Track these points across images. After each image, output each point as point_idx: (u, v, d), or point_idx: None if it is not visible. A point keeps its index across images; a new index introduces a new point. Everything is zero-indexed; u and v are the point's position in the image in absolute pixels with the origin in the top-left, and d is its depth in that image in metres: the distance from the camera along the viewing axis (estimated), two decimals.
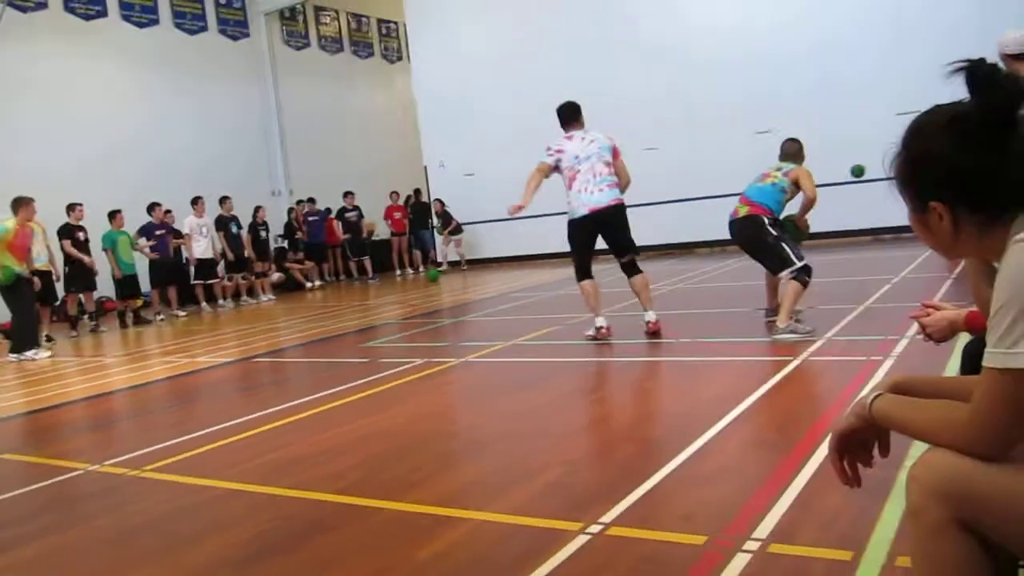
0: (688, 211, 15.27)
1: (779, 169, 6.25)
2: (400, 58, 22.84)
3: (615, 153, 6.70)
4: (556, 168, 6.62)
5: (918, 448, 3.03)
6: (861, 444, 1.64)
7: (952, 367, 4.36)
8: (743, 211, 6.12)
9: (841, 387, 4.29)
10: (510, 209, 6.50)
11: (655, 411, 4.19)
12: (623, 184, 6.68)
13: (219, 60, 18.23)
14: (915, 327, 5.62)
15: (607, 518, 2.76)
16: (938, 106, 1.45)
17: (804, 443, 3.38)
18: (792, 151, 6.40)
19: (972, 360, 2.17)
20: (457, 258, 17.99)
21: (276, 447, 4.26)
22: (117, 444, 4.89)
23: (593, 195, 6.44)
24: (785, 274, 5.90)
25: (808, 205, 6.24)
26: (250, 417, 5.02)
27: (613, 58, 15.72)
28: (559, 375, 5.42)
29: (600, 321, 6.46)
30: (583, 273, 6.57)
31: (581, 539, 2.61)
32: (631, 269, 6.55)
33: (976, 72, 1.35)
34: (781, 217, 6.19)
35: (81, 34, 15.82)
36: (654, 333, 6.33)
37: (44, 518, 3.51)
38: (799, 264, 5.86)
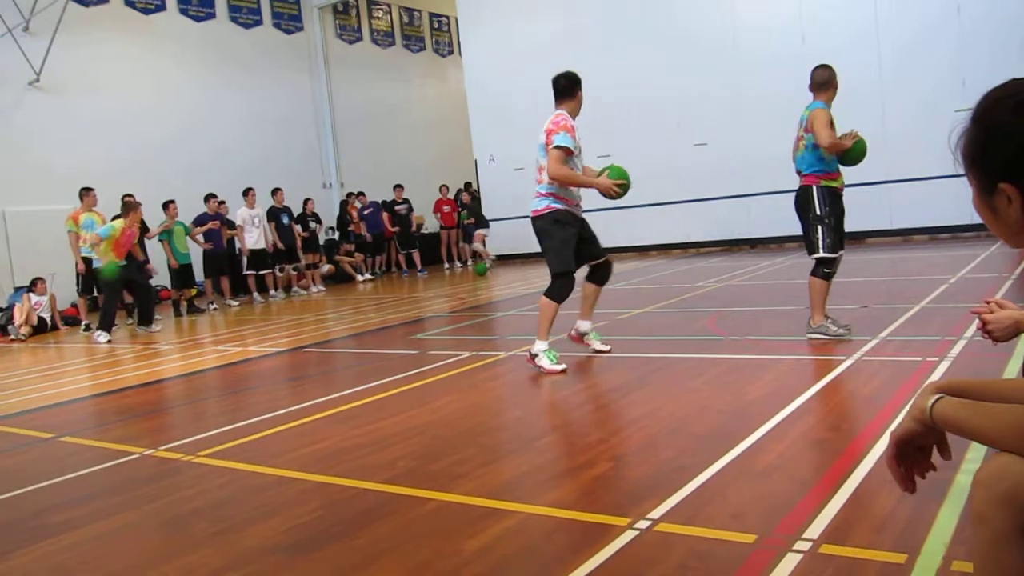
0: (737, 207, 15.12)
1: (801, 124, 5.74)
2: (452, 52, 22.93)
3: (546, 144, 5.75)
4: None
5: (976, 450, 2.99)
6: (919, 448, 1.60)
7: (1012, 369, 4.26)
8: (799, 184, 5.79)
9: (895, 388, 4.20)
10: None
11: (704, 408, 4.14)
12: (551, 180, 5.66)
13: (273, 53, 18.50)
14: (974, 327, 5.50)
15: (655, 514, 2.75)
16: (1016, 80, 1.38)
17: (857, 443, 3.32)
18: (819, 80, 5.69)
19: None
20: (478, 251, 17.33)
21: (326, 436, 4.32)
22: (172, 430, 5.01)
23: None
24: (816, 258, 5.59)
25: (829, 150, 5.56)
26: (301, 406, 5.10)
27: (664, 53, 15.60)
28: (605, 370, 5.40)
29: (581, 326, 6.02)
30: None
31: (629, 534, 2.60)
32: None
33: None
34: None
35: (140, 27, 16.19)
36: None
37: (101, 500, 3.60)
38: (822, 254, 5.57)
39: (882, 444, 3.23)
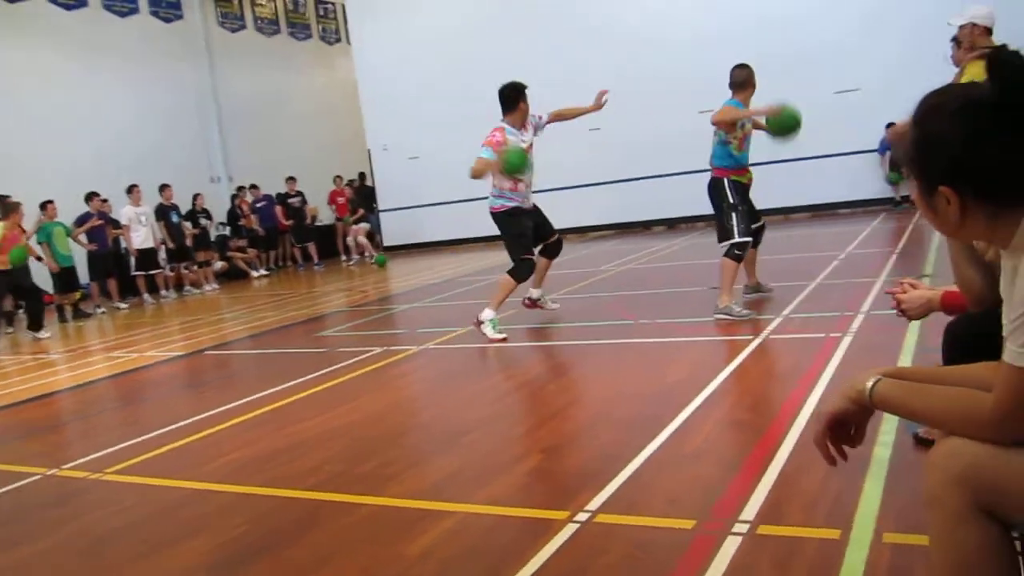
0: (631, 190, 15.40)
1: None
2: (339, 40, 22.46)
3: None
4: None
5: (889, 422, 3.12)
6: (843, 425, 1.66)
7: (909, 343, 4.49)
8: (711, 175, 6.10)
9: (805, 365, 4.36)
10: None
11: (625, 394, 4.20)
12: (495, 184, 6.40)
13: (152, 43, 17.67)
14: (870, 301, 5.73)
15: (593, 505, 2.77)
16: (951, 87, 1.44)
17: (777, 423, 3.43)
18: (737, 79, 5.98)
19: (955, 340, 2.21)
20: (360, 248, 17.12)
21: (241, 444, 4.17)
22: (73, 446, 4.74)
23: None
24: (724, 246, 5.92)
25: (714, 122, 5.90)
26: (209, 414, 4.91)
27: (560, 39, 15.70)
28: (522, 360, 5.42)
29: (533, 293, 6.83)
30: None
31: (571, 527, 2.61)
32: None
33: (997, 59, 1.34)
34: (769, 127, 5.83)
35: (5, 16, 15.18)
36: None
37: (6, 529, 3.38)
38: (737, 239, 5.84)
39: (801, 423, 3.35)
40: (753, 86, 6.02)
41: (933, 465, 1.45)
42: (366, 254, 16.81)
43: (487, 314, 6.13)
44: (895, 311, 2.68)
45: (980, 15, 5.21)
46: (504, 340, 5.96)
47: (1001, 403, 1.37)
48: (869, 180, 13.54)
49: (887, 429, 3.12)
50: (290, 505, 3.19)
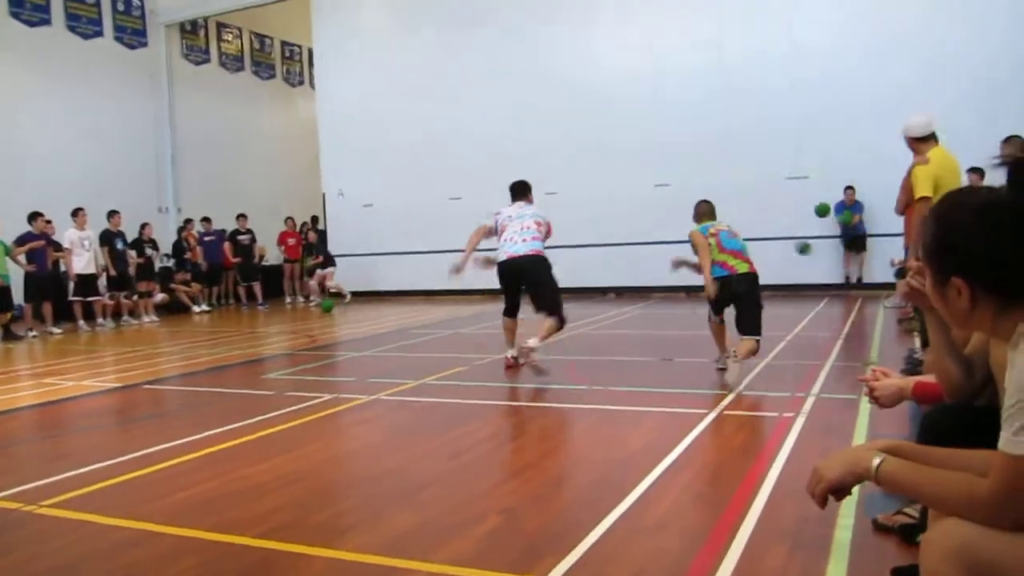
0: (584, 256, 15.55)
1: (728, 227, 6.48)
2: (302, 82, 22.49)
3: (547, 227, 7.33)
4: (494, 231, 7.32)
5: (847, 508, 3.16)
6: (839, 489, 1.76)
7: (861, 426, 4.58)
8: (743, 267, 6.20)
9: (760, 443, 4.42)
10: (452, 269, 7.32)
11: (583, 458, 4.19)
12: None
13: (113, 68, 17.44)
14: (819, 384, 5.85)
15: (557, 572, 2.72)
16: (972, 188, 1.53)
17: (738, 498, 3.44)
18: (701, 211, 6.75)
19: (931, 429, 2.26)
20: (334, 290, 16.76)
21: (187, 484, 4.02)
22: (4, 476, 4.49)
23: (516, 244, 7.07)
24: (748, 338, 6.11)
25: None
26: (150, 451, 4.73)
27: (523, 95, 15.97)
28: (476, 417, 5.36)
29: (509, 352, 7.20)
30: (506, 311, 7.38)
31: None
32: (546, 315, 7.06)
33: (1018, 167, 1.42)
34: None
35: None
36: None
37: None
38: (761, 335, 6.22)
39: (761, 500, 3.37)
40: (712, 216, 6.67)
41: (929, 542, 1.53)
42: (344, 298, 16.48)
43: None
44: (867, 397, 2.73)
45: (912, 127, 6.00)
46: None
47: (996, 490, 1.45)
48: (813, 263, 13.91)
49: (846, 512, 3.16)
50: (240, 553, 3.07)
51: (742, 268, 6.20)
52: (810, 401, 5.33)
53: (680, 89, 14.70)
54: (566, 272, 15.64)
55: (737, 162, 13.98)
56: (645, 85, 15.03)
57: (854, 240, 13.86)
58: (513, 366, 7.08)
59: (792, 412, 5.00)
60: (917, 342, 6.83)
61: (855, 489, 1.96)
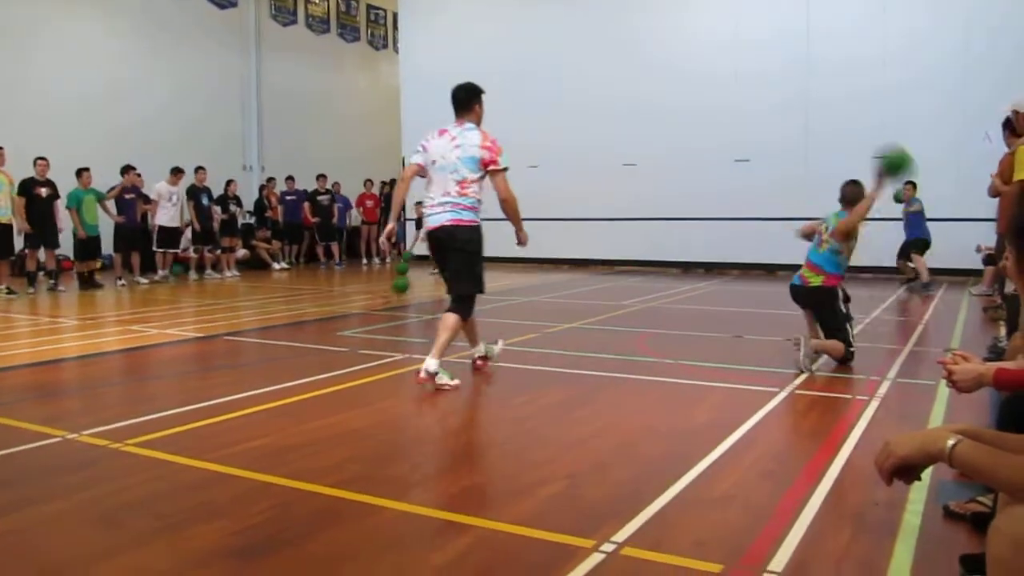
0: (660, 230, 15.40)
1: (827, 229, 6.00)
2: (386, 46, 22.69)
3: (484, 165, 5.39)
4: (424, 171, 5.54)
5: (917, 493, 3.09)
6: (909, 468, 1.81)
7: (937, 413, 4.46)
8: (816, 280, 5.95)
9: (831, 425, 4.35)
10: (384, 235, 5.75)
11: (649, 430, 4.18)
12: (504, 207, 5.45)
13: (203, 26, 17.90)
14: (896, 369, 5.69)
15: (619, 537, 2.74)
16: None
17: (804, 478, 3.40)
18: (850, 196, 5.98)
19: (1013, 416, 2.20)
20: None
21: (262, 433, 4.16)
22: (91, 414, 4.71)
23: (434, 210, 5.45)
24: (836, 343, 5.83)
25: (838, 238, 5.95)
26: (231, 398, 4.92)
27: (609, 60, 15.82)
28: (547, 384, 5.38)
29: (476, 351, 5.89)
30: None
31: (596, 557, 2.59)
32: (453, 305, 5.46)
33: None
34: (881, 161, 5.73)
35: None
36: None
37: (23, 487, 3.38)
38: (852, 347, 5.83)
39: (828, 481, 3.33)
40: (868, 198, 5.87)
41: (998, 528, 1.52)
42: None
43: (434, 364, 5.15)
44: (945, 382, 2.66)
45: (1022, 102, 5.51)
46: (456, 387, 5.19)
47: None
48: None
49: (916, 498, 3.10)
50: (312, 499, 3.18)
51: (815, 281, 6.00)
52: (886, 385, 5.21)
53: (757, 62, 14.35)
54: (629, 246, 15.66)
55: (817, 150, 13.62)
56: (725, 57, 14.73)
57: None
58: (482, 367, 5.86)
59: (866, 395, 4.90)
60: (1003, 330, 6.59)
61: (926, 474, 1.93)
